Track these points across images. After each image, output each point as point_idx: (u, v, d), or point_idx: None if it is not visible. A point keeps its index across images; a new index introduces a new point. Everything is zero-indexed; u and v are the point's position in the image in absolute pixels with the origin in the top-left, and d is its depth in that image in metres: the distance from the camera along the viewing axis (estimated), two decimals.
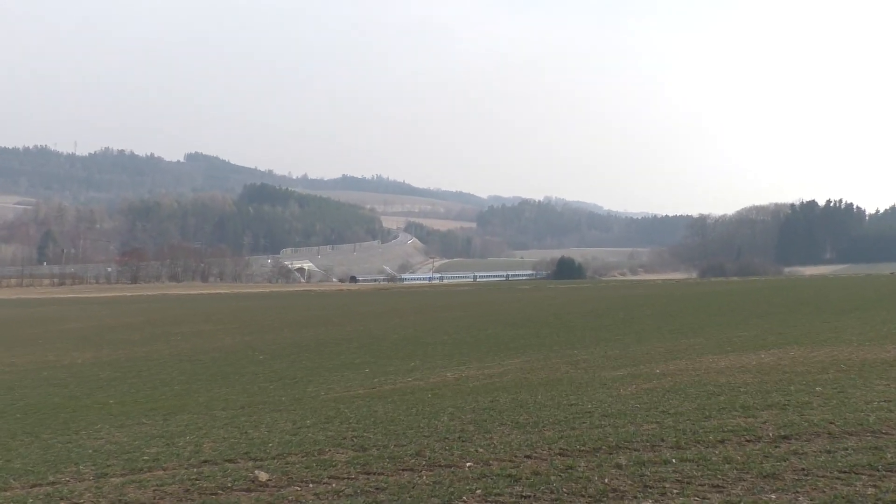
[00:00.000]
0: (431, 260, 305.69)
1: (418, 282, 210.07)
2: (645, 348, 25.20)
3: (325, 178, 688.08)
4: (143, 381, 24.94)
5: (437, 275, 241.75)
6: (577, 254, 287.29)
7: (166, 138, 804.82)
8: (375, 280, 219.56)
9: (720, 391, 13.19)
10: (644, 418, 11.03)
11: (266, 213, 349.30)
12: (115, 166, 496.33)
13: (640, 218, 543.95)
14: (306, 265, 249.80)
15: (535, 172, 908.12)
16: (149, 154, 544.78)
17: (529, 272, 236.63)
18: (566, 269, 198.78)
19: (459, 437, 10.63)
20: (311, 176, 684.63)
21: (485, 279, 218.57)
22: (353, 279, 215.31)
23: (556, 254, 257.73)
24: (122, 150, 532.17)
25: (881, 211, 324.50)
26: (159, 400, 20.07)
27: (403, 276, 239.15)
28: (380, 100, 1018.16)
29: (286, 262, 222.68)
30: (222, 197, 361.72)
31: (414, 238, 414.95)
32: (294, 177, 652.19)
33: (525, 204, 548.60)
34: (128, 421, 15.74)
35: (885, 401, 11.32)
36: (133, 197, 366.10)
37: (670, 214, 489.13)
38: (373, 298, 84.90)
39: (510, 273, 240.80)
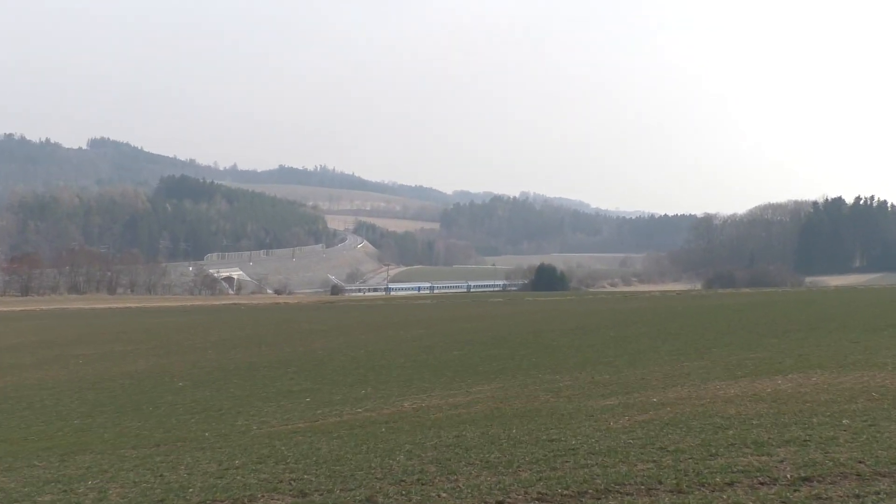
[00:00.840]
0: (386, 267, 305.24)
1: (405, 292, 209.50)
2: (640, 373, 25.29)
3: (259, 170, 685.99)
4: (35, 413, 24.65)
5: (433, 285, 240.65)
6: (559, 260, 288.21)
7: (65, 121, 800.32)
8: (366, 290, 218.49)
9: (729, 424, 13.25)
10: (638, 457, 11.05)
11: (187, 211, 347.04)
12: (1, 153, 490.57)
13: (633, 218, 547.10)
14: (236, 274, 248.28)
15: (509, 164, 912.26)
16: (43, 139, 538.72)
17: (502, 282, 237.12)
18: (546, 279, 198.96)
19: (419, 480, 10.58)
20: (242, 167, 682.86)
21: (453, 289, 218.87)
22: (335, 289, 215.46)
23: (535, 260, 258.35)
24: (11, 135, 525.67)
25: None
26: (55, 437, 19.84)
27: (392, 286, 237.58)
28: (325, 76, 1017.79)
29: (211, 271, 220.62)
30: (134, 191, 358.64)
31: (365, 241, 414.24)
32: (221, 167, 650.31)
33: (497, 201, 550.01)
34: (16, 463, 15.52)
35: None
36: (24, 190, 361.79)
37: (670, 214, 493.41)
38: (316, 314, 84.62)
39: (479, 283, 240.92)
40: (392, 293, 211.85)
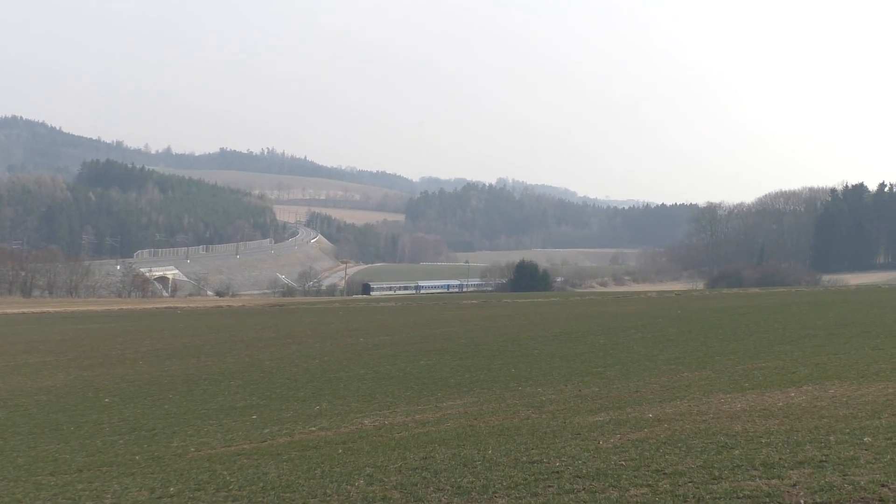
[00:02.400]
0: (344, 265, 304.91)
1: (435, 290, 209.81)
2: (633, 385, 25.40)
3: (197, 153, 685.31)
4: None
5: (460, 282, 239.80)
6: (541, 256, 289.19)
7: None
8: (397, 289, 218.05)
9: (734, 443, 13.33)
10: (631, 480, 11.09)
11: (114, 200, 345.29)
12: None
13: (626, 208, 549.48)
14: (170, 273, 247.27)
15: (484, 147, 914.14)
16: None
17: (476, 282, 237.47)
18: (527, 278, 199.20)
19: None
20: (177, 150, 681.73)
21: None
22: (367, 287, 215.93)
23: (514, 256, 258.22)
24: None
25: None
26: None
27: (422, 283, 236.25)
28: (271, 48, 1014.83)
29: (142, 270, 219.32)
30: (51, 179, 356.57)
31: (319, 236, 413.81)
32: (153, 151, 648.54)
33: (471, 189, 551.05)
34: None
35: None
36: None
37: (667, 204, 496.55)
38: (263, 319, 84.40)
39: (451, 283, 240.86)
40: (422, 291, 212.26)
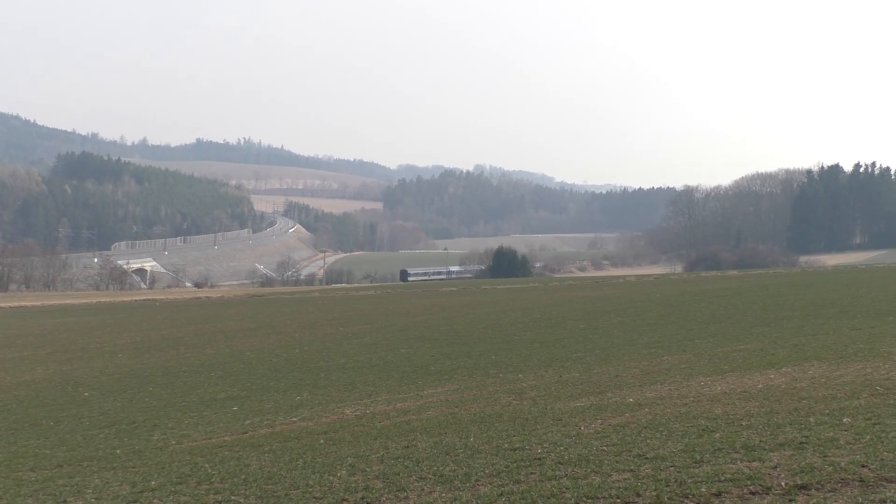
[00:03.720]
0: (322, 254, 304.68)
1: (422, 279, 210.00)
2: (613, 369, 25.47)
3: (173, 145, 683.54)
4: None
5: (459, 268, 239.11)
6: (520, 242, 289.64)
7: None
8: (431, 274, 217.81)
9: (715, 426, 13.37)
10: (613, 465, 11.10)
11: (90, 193, 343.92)
12: None
13: (604, 193, 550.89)
14: (148, 265, 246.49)
15: (461, 134, 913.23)
16: None
17: (456, 268, 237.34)
18: (506, 264, 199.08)
19: (363, 499, 10.58)
20: (153, 141, 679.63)
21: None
22: (405, 274, 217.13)
23: (493, 243, 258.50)
24: None
25: None
26: None
27: (452, 268, 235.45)
28: (246, 36, 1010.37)
29: (120, 262, 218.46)
30: (26, 172, 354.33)
31: (297, 225, 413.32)
32: (129, 142, 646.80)
33: (448, 176, 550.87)
34: None
35: None
36: None
37: (645, 188, 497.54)
38: (243, 310, 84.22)
39: (432, 270, 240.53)
40: (453, 276, 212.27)
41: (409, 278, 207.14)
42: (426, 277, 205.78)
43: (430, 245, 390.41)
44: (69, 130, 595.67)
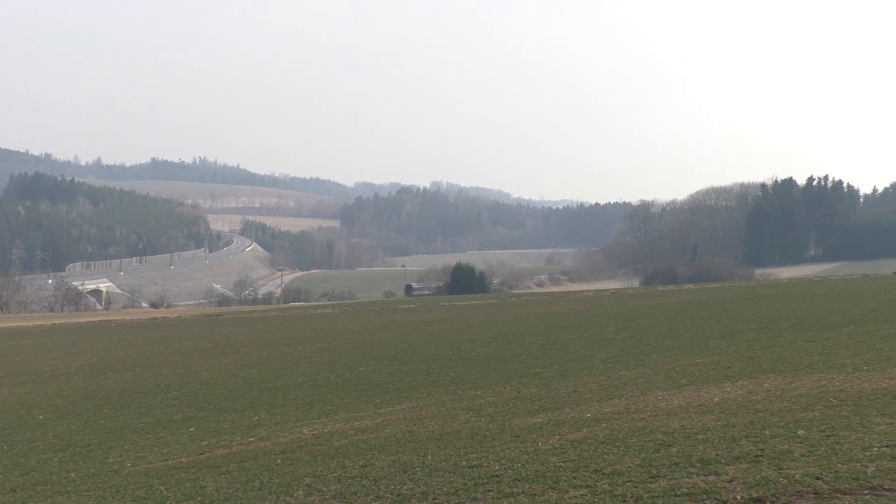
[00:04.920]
0: (280, 273, 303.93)
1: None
2: (571, 385, 25.49)
3: (128, 164, 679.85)
4: None
5: None
6: (477, 259, 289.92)
7: None
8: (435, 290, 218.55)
9: (672, 440, 13.40)
10: (570, 481, 11.12)
11: (43, 214, 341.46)
12: None
13: (560, 208, 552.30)
14: (104, 286, 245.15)
15: (418, 151, 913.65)
16: None
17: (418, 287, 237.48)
18: (464, 281, 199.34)
19: None
20: (108, 161, 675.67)
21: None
22: (410, 289, 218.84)
23: (450, 259, 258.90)
24: None
25: (879, 191, 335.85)
26: None
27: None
28: (200, 57, 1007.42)
29: (75, 283, 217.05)
30: None
31: (254, 244, 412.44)
32: (83, 163, 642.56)
33: (405, 193, 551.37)
34: None
35: (887, 445, 11.59)
36: None
37: (601, 202, 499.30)
38: (200, 329, 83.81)
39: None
40: None
41: (414, 293, 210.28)
42: (429, 293, 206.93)
43: (388, 262, 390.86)
44: (22, 151, 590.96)
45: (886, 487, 9.60)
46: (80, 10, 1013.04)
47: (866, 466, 10.48)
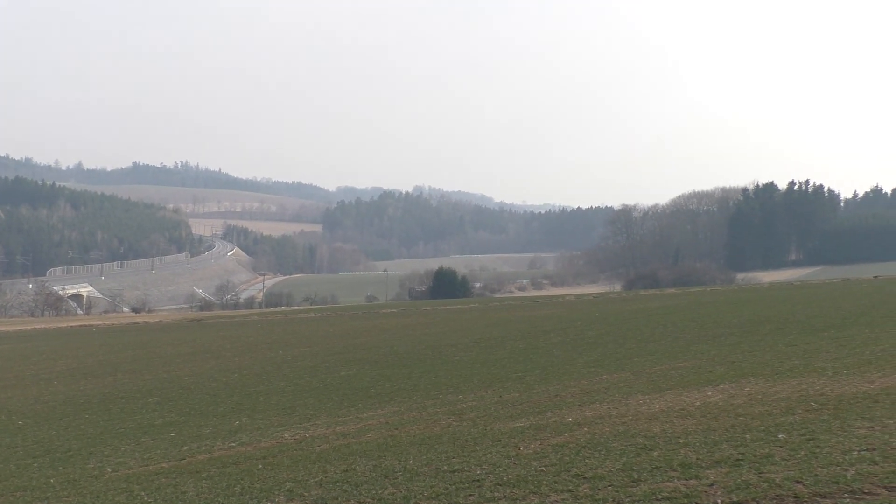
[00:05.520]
0: (262, 277, 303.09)
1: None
2: (553, 389, 25.51)
3: (109, 168, 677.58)
4: None
5: None
6: (459, 263, 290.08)
7: None
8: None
9: (653, 444, 13.43)
10: (552, 486, 11.13)
11: (24, 218, 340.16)
12: None
13: (542, 213, 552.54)
14: (85, 290, 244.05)
15: (400, 155, 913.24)
16: None
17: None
18: (446, 285, 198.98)
19: None
20: (89, 165, 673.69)
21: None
22: (413, 291, 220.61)
23: (433, 264, 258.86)
24: None
25: (860, 195, 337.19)
26: None
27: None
28: (184, 59, 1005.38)
29: (55, 288, 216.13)
30: None
31: (236, 248, 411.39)
32: (64, 167, 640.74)
33: (388, 197, 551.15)
34: None
35: (867, 449, 11.66)
36: None
37: (583, 207, 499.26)
38: (181, 334, 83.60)
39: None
40: None
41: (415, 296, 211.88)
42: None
43: (370, 267, 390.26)
44: (2, 155, 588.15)
45: (866, 491, 9.65)
46: (63, 11, 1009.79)
47: (846, 470, 10.53)
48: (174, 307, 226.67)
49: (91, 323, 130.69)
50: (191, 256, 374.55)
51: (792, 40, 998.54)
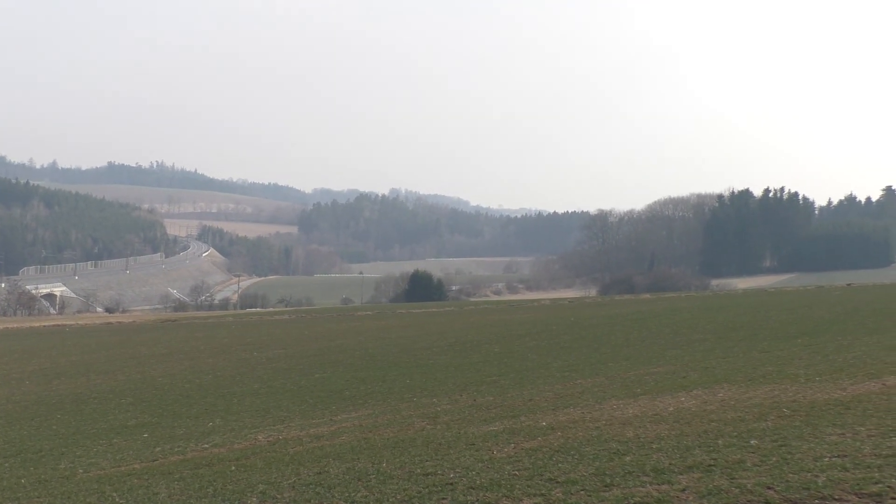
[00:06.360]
0: (237, 278, 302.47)
1: None
2: (527, 393, 25.54)
3: (84, 168, 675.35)
4: None
5: None
6: (435, 266, 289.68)
7: None
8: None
9: (626, 449, 13.47)
10: (525, 490, 11.15)
11: None
12: None
13: (518, 217, 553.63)
14: (58, 290, 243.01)
15: (377, 158, 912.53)
16: None
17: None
18: (421, 288, 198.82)
19: None
20: (63, 164, 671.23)
21: None
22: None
23: (408, 267, 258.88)
24: None
25: (834, 203, 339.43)
26: None
27: None
28: (159, 57, 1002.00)
29: (28, 287, 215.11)
30: None
31: (211, 249, 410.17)
32: (38, 165, 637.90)
33: (364, 200, 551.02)
34: None
35: (838, 455, 11.73)
36: None
37: (559, 212, 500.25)
38: (155, 335, 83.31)
39: None
40: None
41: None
42: None
43: (346, 269, 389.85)
44: None
45: (836, 497, 9.72)
46: (35, 9, 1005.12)
47: (817, 476, 10.60)
48: (148, 308, 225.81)
49: (64, 323, 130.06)
50: (166, 257, 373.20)
51: (768, 49, 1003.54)
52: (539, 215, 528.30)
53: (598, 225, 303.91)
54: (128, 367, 47.75)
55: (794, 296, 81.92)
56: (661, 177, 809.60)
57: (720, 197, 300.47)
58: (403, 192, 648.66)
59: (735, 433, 14.12)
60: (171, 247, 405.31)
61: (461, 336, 53.79)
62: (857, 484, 10.17)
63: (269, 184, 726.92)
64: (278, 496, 12.39)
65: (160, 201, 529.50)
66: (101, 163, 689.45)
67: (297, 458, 16.85)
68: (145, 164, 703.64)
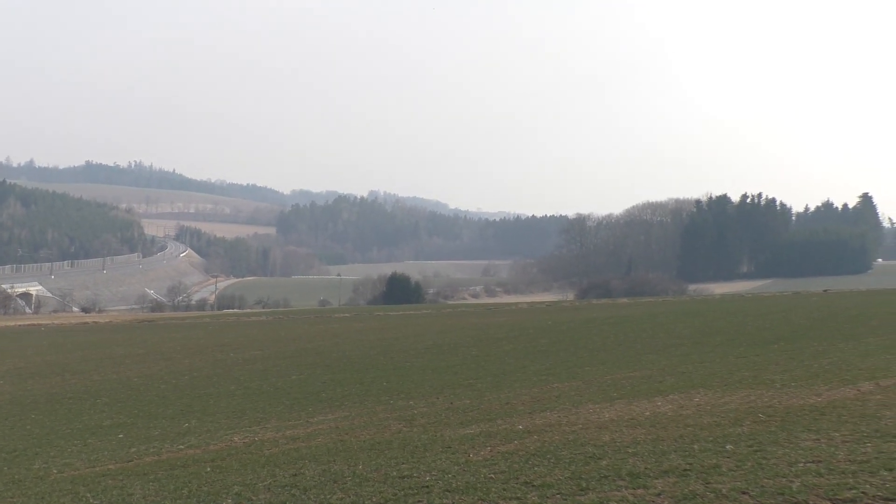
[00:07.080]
0: (214, 279, 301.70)
1: None
2: (504, 396, 25.53)
3: (61, 167, 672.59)
4: None
5: None
6: (413, 269, 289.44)
7: None
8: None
9: (602, 453, 13.47)
10: (500, 493, 11.14)
11: None
12: None
13: (497, 220, 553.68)
14: (34, 289, 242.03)
15: (355, 159, 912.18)
16: None
17: None
18: (399, 290, 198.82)
19: None
20: (40, 163, 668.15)
21: None
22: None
23: (386, 269, 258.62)
24: None
25: (811, 209, 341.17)
26: None
27: None
28: (139, 56, 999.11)
29: (4, 286, 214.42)
30: None
31: (189, 249, 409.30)
32: (14, 164, 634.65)
33: (342, 202, 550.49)
34: None
35: (813, 461, 11.74)
36: None
37: (538, 215, 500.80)
38: (131, 335, 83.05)
39: None
40: None
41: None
42: None
43: (324, 271, 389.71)
44: None
45: (811, 502, 9.74)
46: (14, 7, 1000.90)
47: (792, 481, 10.62)
48: (125, 308, 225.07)
49: (40, 322, 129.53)
50: (143, 257, 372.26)
51: (747, 56, 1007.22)
52: (518, 219, 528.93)
53: (576, 229, 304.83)
54: (103, 368, 47.60)
55: (771, 301, 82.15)
56: (640, 181, 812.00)
57: (698, 202, 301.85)
58: (382, 194, 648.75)
59: (711, 438, 14.14)
60: (148, 247, 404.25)
61: (438, 339, 53.80)
62: (832, 489, 10.19)
63: (248, 185, 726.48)
64: (254, 498, 12.36)
65: (138, 201, 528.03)
66: (78, 162, 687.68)
67: (273, 460, 16.81)
68: (123, 163, 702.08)
